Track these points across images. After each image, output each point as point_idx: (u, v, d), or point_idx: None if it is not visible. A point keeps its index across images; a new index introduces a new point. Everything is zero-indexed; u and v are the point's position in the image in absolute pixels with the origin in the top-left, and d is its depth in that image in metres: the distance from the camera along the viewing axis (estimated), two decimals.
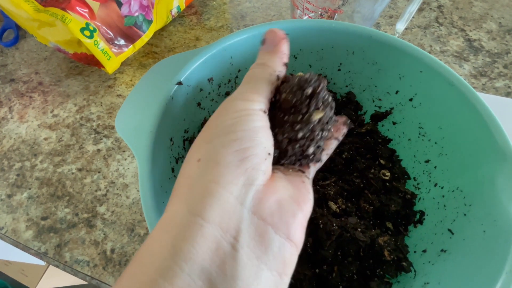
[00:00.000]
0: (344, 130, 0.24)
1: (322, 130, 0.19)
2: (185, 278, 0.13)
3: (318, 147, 0.19)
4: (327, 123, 0.19)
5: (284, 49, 0.20)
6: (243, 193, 0.15)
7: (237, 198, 0.15)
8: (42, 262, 0.91)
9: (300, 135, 0.18)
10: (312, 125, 0.18)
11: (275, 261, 0.14)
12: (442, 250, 0.23)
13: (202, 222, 0.14)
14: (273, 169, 0.18)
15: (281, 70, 0.19)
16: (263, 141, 0.16)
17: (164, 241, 0.14)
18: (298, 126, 0.18)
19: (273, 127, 0.18)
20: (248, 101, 0.17)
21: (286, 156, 0.19)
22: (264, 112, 0.17)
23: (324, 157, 0.22)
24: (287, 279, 0.15)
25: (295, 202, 0.16)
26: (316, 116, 0.18)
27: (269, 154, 0.16)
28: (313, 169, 0.21)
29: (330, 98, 0.19)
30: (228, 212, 0.14)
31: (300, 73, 0.20)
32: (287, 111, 0.18)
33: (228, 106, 0.17)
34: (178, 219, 0.14)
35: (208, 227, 0.14)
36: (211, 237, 0.13)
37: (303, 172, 0.20)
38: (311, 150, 0.19)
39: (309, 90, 0.18)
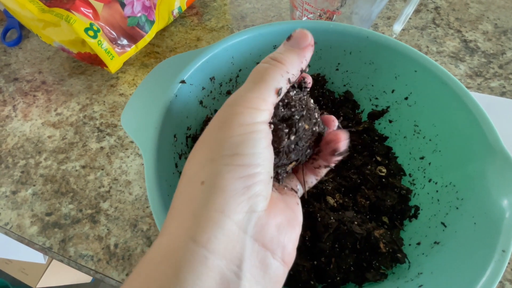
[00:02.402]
0: (337, 157, 0.20)
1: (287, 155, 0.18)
2: None
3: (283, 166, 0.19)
4: (292, 150, 0.18)
5: (307, 55, 0.18)
6: (246, 221, 0.15)
7: (240, 226, 0.15)
8: (42, 261, 0.91)
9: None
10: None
11: (270, 282, 0.15)
12: (435, 242, 0.23)
13: (207, 253, 0.14)
14: None
15: (294, 74, 0.18)
16: (267, 165, 0.16)
17: (166, 268, 0.14)
18: None
19: None
20: (254, 110, 0.16)
21: None
22: (269, 124, 0.17)
23: (312, 181, 0.22)
24: None
25: (290, 225, 0.17)
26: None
27: (271, 177, 0.16)
28: (301, 191, 0.21)
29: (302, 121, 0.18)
30: (232, 241, 0.14)
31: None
32: None
33: (231, 117, 0.16)
34: (182, 247, 0.14)
35: (213, 259, 0.14)
36: (216, 268, 0.14)
37: (295, 191, 0.20)
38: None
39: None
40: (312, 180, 0.22)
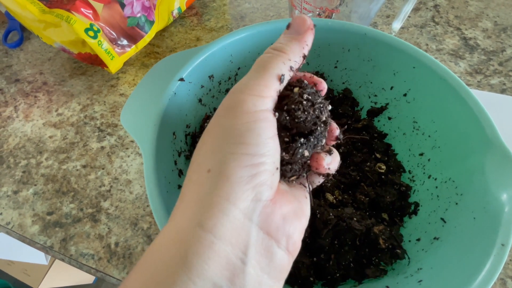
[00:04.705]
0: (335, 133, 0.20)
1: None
2: None
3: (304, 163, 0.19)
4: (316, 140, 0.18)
5: (308, 40, 0.18)
6: (251, 209, 0.15)
7: (246, 214, 0.15)
8: (44, 262, 0.92)
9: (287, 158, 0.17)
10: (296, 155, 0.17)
11: (275, 270, 0.15)
12: (435, 238, 0.23)
13: (213, 239, 0.14)
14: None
15: (297, 61, 0.18)
16: (273, 155, 0.16)
17: (174, 253, 0.14)
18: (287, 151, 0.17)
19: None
20: (257, 97, 0.16)
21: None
22: (274, 113, 0.17)
23: (319, 181, 0.21)
24: (282, 282, 0.16)
25: (296, 217, 0.17)
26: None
27: (277, 168, 0.16)
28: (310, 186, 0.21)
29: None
30: (237, 228, 0.15)
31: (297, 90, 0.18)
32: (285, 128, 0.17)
33: (235, 104, 0.16)
34: (189, 232, 0.14)
35: (219, 244, 0.14)
36: (222, 253, 0.14)
37: (305, 186, 0.20)
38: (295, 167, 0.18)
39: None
40: (319, 180, 0.21)
